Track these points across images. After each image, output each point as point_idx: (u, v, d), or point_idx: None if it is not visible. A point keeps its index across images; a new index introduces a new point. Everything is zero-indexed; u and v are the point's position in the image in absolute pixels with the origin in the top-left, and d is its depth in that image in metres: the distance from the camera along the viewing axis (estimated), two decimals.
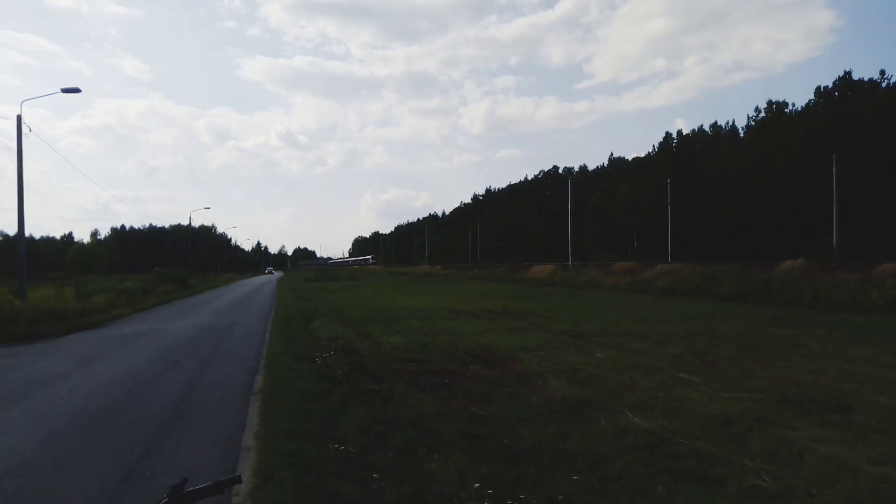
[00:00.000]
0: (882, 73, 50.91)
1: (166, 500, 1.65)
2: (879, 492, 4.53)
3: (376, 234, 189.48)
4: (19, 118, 22.00)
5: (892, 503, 4.43)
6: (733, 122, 68.27)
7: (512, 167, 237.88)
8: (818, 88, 53.70)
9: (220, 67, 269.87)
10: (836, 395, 7.45)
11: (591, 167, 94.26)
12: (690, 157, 63.45)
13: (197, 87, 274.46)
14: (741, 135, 63.50)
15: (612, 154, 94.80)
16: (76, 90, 23.13)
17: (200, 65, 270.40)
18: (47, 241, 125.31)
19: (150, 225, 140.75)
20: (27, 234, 24.68)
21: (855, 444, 5.57)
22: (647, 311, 19.70)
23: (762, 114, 60.34)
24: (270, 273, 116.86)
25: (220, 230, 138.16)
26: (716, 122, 70.73)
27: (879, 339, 12.64)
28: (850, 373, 8.91)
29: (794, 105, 58.02)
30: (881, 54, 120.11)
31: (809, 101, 55.29)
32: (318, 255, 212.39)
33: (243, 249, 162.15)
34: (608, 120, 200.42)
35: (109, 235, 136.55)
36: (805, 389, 7.83)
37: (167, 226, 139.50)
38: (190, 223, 76.69)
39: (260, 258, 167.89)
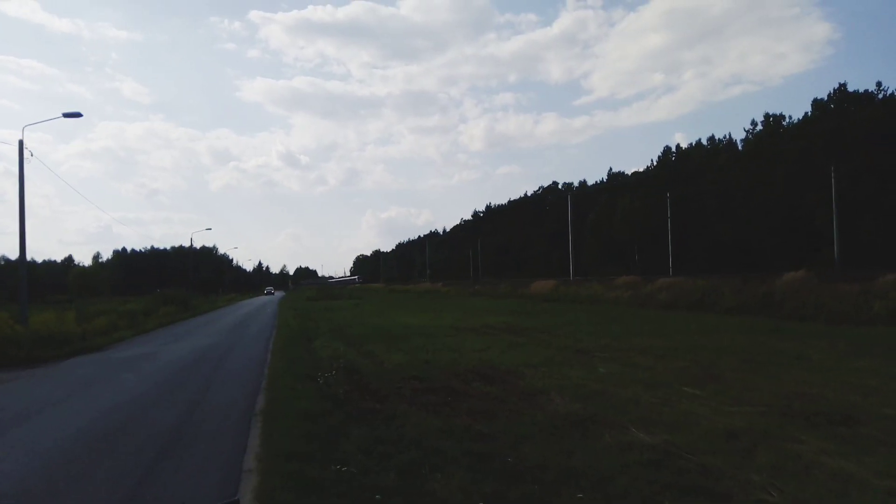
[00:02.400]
0: (878, 84, 51.29)
1: None
2: None
3: (377, 252, 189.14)
4: (21, 143, 22.13)
5: None
6: (730, 135, 68.27)
7: (512, 183, 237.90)
8: (815, 100, 54.07)
9: (219, 89, 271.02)
10: (841, 408, 7.40)
11: (590, 182, 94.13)
12: (689, 170, 63.63)
13: (197, 109, 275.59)
14: (739, 148, 63.71)
15: (611, 169, 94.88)
16: (77, 115, 23.33)
17: (200, 87, 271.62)
18: (49, 265, 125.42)
19: (152, 247, 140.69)
20: (28, 257, 24.69)
21: (862, 457, 5.52)
22: (649, 325, 19.64)
23: (759, 127, 60.64)
24: (270, 294, 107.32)
25: (221, 251, 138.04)
26: (713, 136, 70.99)
27: (883, 350, 12.58)
28: (854, 384, 8.86)
29: (790, 117, 58.32)
30: (878, 66, 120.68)
31: (806, 113, 55.64)
32: (320, 275, 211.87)
33: (245, 270, 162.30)
34: (607, 135, 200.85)
35: (111, 258, 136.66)
36: (809, 402, 7.78)
37: (169, 247, 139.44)
38: (191, 245, 76.80)
39: (261, 278, 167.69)
